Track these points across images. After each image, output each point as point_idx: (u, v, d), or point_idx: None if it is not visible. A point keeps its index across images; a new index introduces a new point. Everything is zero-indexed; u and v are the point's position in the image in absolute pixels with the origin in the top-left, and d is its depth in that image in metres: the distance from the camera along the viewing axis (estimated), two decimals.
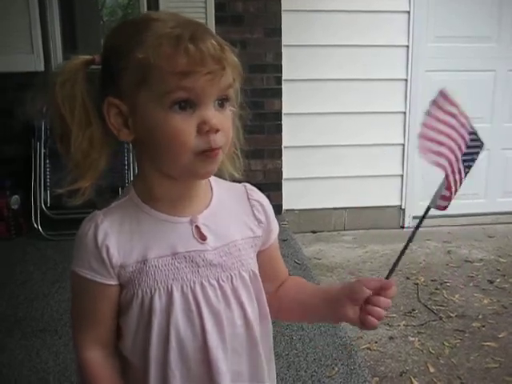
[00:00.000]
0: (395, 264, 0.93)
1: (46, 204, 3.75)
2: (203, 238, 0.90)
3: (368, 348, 2.49)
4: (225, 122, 0.85)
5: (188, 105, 0.81)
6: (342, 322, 1.02)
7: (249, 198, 0.98)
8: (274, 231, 1.01)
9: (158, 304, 0.87)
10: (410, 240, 0.94)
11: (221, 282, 0.90)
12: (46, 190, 3.77)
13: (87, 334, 0.92)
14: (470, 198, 4.22)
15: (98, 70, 0.87)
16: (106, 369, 0.92)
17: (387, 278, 0.93)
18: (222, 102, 0.85)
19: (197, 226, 0.90)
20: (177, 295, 0.87)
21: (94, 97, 0.86)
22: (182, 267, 0.88)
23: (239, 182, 0.99)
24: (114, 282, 0.88)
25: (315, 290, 1.04)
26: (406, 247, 0.94)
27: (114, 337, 0.93)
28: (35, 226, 3.72)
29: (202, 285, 0.89)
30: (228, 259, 0.91)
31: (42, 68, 3.80)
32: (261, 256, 0.99)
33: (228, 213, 0.95)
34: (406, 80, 4.13)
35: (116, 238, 0.87)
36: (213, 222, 0.92)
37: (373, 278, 0.95)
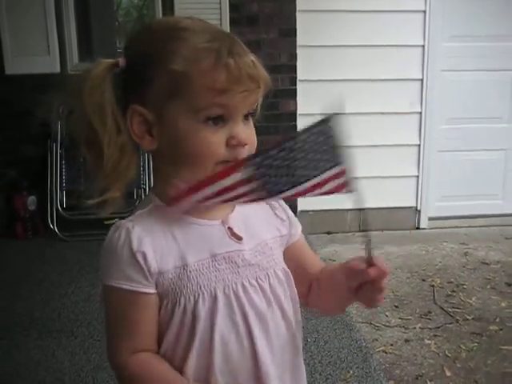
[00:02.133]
0: (368, 246, 0.85)
1: (61, 205, 3.78)
2: (239, 238, 0.89)
3: (383, 351, 2.47)
4: (251, 136, 0.87)
5: (220, 120, 0.82)
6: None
7: None
8: (296, 227, 1.00)
9: (202, 309, 0.84)
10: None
11: (259, 281, 0.89)
12: (62, 190, 3.80)
13: (130, 342, 0.85)
14: (487, 199, 4.18)
15: (120, 74, 0.85)
16: (161, 363, 0.86)
17: (368, 261, 0.84)
18: (248, 115, 0.86)
19: (229, 228, 0.89)
20: (221, 298, 0.85)
21: (118, 103, 0.84)
22: (222, 269, 0.86)
23: None
24: (153, 291, 0.84)
25: (328, 273, 0.99)
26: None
27: (156, 346, 0.88)
28: (51, 226, 3.76)
29: (243, 285, 0.87)
30: (263, 258, 0.91)
31: (57, 69, 3.83)
32: (290, 253, 0.98)
33: (252, 215, 0.94)
34: (422, 80, 4.09)
35: (151, 245, 0.83)
36: (242, 223, 0.91)
37: (356, 262, 0.86)
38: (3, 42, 3.75)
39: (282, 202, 1.01)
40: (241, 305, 0.86)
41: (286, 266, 0.95)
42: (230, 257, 0.87)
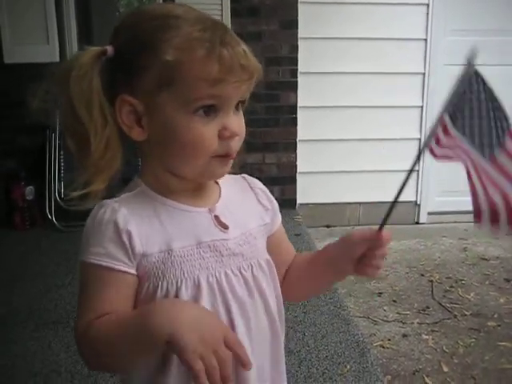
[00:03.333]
0: (387, 215, 0.92)
1: (60, 195, 3.77)
2: (225, 226, 0.89)
3: (381, 345, 2.47)
4: (242, 126, 0.87)
5: (212, 110, 0.81)
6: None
7: (251, 187, 0.99)
8: (278, 215, 1.01)
9: (185, 296, 0.83)
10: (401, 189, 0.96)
11: (242, 271, 0.89)
12: (60, 181, 3.79)
13: (92, 314, 0.80)
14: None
15: (108, 62, 0.82)
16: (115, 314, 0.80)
17: (379, 229, 0.91)
18: (239, 105, 0.85)
19: (216, 216, 0.89)
20: (204, 285, 0.84)
21: (106, 92, 0.82)
22: (206, 256, 0.86)
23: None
24: (132, 271, 0.81)
25: (315, 255, 1.03)
26: (400, 191, 0.95)
27: None
28: (49, 217, 3.74)
29: (226, 274, 0.87)
30: (247, 248, 0.90)
31: (57, 59, 3.79)
32: (269, 241, 0.98)
33: (238, 203, 0.94)
34: (424, 74, 4.07)
35: (136, 225, 0.82)
36: (228, 211, 0.91)
37: (363, 232, 0.93)
38: (2, 31, 3.72)
39: (265, 188, 1.01)
40: (223, 294, 0.86)
41: (269, 257, 0.95)
42: (214, 245, 0.87)
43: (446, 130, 0.86)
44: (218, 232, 0.88)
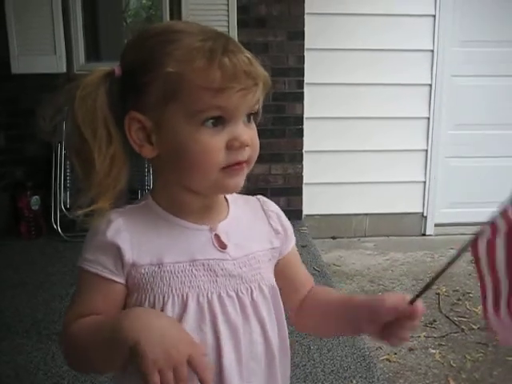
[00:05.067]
0: (424, 288, 0.85)
1: (65, 205, 3.77)
2: (223, 246, 0.87)
3: (387, 359, 2.44)
4: (253, 137, 0.85)
5: (219, 122, 0.80)
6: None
7: (264, 210, 0.97)
8: (290, 239, 0.98)
9: (171, 312, 0.82)
10: (449, 264, 0.88)
11: (240, 294, 0.86)
12: (65, 191, 3.79)
13: (77, 314, 0.83)
14: (494, 206, 4.12)
15: (117, 82, 0.83)
16: (93, 316, 0.83)
17: (412, 301, 0.85)
18: (250, 116, 0.84)
19: (216, 235, 0.87)
20: (192, 304, 0.83)
21: (113, 111, 0.83)
22: (199, 275, 0.84)
23: (252, 194, 0.97)
24: (120, 280, 0.83)
25: (336, 302, 0.97)
26: (442, 271, 0.86)
27: None
28: (54, 226, 3.74)
29: (219, 296, 0.85)
30: (248, 271, 0.88)
31: (64, 69, 3.82)
32: (279, 266, 0.96)
33: (246, 224, 0.92)
34: (431, 85, 4.06)
35: (130, 236, 0.83)
36: (232, 232, 0.89)
37: (398, 300, 0.85)
38: (10, 41, 3.74)
39: (280, 212, 0.98)
40: (213, 315, 0.84)
41: (275, 283, 0.92)
42: (209, 264, 0.85)
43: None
44: (214, 251, 0.86)
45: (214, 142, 0.79)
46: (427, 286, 0.85)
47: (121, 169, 0.83)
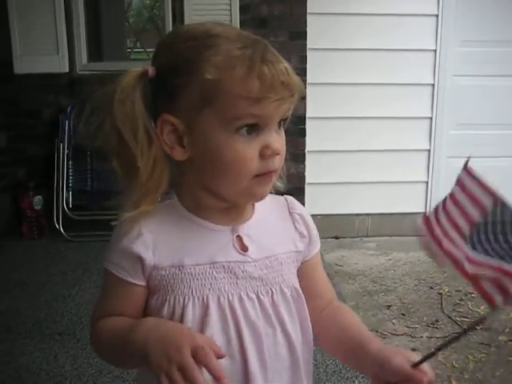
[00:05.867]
0: (430, 355, 0.82)
1: (68, 205, 3.77)
2: (244, 248, 0.87)
3: None
4: (283, 145, 0.84)
5: (253, 129, 0.80)
6: None
7: (290, 212, 0.95)
8: (315, 244, 0.97)
9: (191, 315, 0.82)
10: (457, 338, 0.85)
11: (260, 296, 0.86)
12: (68, 190, 3.79)
13: (102, 312, 0.88)
14: None
15: (150, 84, 0.83)
16: (116, 318, 0.87)
17: (416, 365, 0.80)
18: (280, 122, 0.84)
19: (238, 236, 0.87)
20: (213, 306, 0.83)
21: (149, 113, 0.82)
22: (219, 277, 0.84)
23: (281, 193, 0.96)
24: (141, 283, 0.85)
25: (354, 335, 0.93)
26: (451, 341, 0.83)
27: None
28: (57, 227, 3.74)
29: (240, 298, 0.85)
30: (269, 273, 0.88)
31: (66, 69, 3.82)
32: (301, 270, 0.95)
33: (270, 226, 0.92)
34: (433, 85, 4.05)
35: (152, 238, 0.84)
36: (255, 233, 0.89)
37: (404, 362, 0.81)
38: (12, 41, 3.74)
39: (307, 215, 0.97)
40: (235, 318, 0.84)
41: (297, 285, 0.91)
42: (230, 267, 0.85)
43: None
44: (235, 253, 0.86)
45: (248, 150, 0.79)
46: (433, 353, 0.82)
47: (163, 170, 0.83)
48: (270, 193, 0.89)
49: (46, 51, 3.78)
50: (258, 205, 0.92)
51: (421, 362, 0.81)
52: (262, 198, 0.87)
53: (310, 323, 0.92)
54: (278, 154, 0.82)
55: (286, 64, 0.81)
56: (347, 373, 2.10)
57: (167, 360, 0.70)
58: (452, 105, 4.07)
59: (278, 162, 0.83)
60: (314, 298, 0.97)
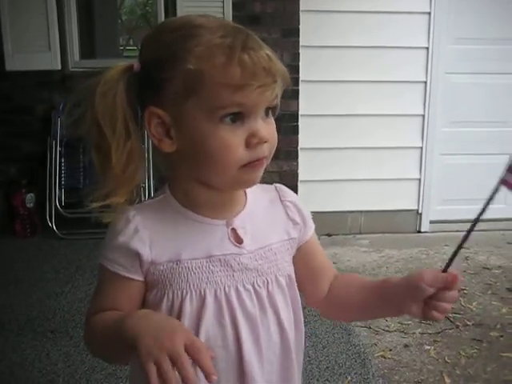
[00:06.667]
0: (454, 253, 0.86)
1: (60, 203, 3.76)
2: (239, 241, 0.88)
3: (382, 356, 2.44)
4: (271, 132, 0.84)
5: (238, 118, 0.80)
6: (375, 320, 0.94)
7: (281, 200, 0.96)
8: (309, 227, 0.98)
9: (189, 308, 0.84)
10: (472, 228, 0.86)
11: (256, 286, 0.88)
12: (60, 188, 3.78)
13: (98, 308, 0.88)
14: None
15: (136, 78, 0.84)
16: (110, 312, 0.86)
17: (445, 270, 0.85)
18: (268, 111, 0.84)
19: (233, 229, 0.88)
20: (210, 300, 0.84)
21: (132, 106, 0.83)
22: (216, 271, 0.85)
23: (269, 183, 0.97)
24: (138, 278, 0.85)
25: (370, 286, 0.96)
26: (468, 234, 0.86)
27: None
28: (50, 224, 3.73)
29: (237, 290, 0.86)
30: (264, 263, 0.89)
31: (58, 66, 3.81)
32: (299, 253, 0.96)
33: (263, 216, 0.93)
34: (426, 82, 4.06)
35: (148, 234, 0.84)
36: (249, 224, 0.90)
37: (434, 272, 0.85)
38: (4, 38, 3.73)
39: (297, 201, 0.98)
40: (231, 309, 0.85)
41: (291, 272, 0.93)
42: (226, 260, 0.86)
43: None
44: (230, 246, 0.87)
45: (232, 139, 0.80)
46: (455, 252, 0.86)
47: (138, 165, 0.84)
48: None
49: (39, 48, 3.76)
50: (249, 195, 0.92)
51: (449, 263, 0.85)
52: (253, 184, 0.88)
53: (301, 311, 0.94)
54: (265, 142, 0.82)
55: (268, 51, 0.81)
56: (340, 369, 2.11)
57: (158, 347, 0.69)
58: (444, 102, 4.08)
59: (268, 150, 0.84)
60: (318, 277, 0.99)
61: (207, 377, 0.70)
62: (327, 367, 2.13)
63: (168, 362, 0.68)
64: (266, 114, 0.84)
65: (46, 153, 3.78)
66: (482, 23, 4.04)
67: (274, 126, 0.86)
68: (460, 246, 0.86)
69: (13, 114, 3.82)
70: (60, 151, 3.78)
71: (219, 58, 0.77)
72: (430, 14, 3.96)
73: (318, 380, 2.05)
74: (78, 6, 3.98)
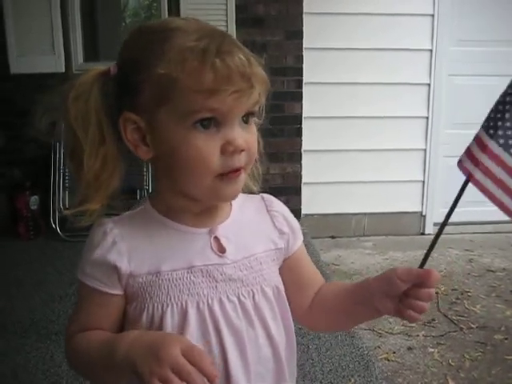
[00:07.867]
0: (429, 251, 0.86)
1: (64, 205, 3.76)
2: (222, 250, 0.85)
3: (386, 358, 2.44)
4: (250, 141, 0.81)
5: (212, 123, 0.77)
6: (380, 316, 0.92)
7: (268, 210, 0.93)
8: (297, 238, 0.95)
9: (170, 321, 0.80)
10: (445, 223, 0.89)
11: (241, 298, 0.84)
12: (64, 190, 3.78)
13: (78, 325, 0.85)
14: (493, 206, 4.13)
15: (112, 82, 0.82)
16: (94, 333, 0.84)
17: (420, 267, 0.85)
18: (248, 117, 0.81)
19: (216, 238, 0.85)
20: (192, 312, 0.81)
21: (108, 111, 0.81)
22: (198, 282, 0.82)
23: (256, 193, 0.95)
24: (117, 292, 0.83)
25: (351, 289, 0.94)
26: (440, 230, 0.88)
27: None
28: (53, 226, 3.74)
29: (220, 301, 0.83)
30: (249, 273, 0.86)
31: (62, 69, 3.82)
32: (287, 264, 0.94)
33: (248, 225, 0.90)
34: (429, 84, 4.06)
35: (126, 246, 0.81)
36: (233, 233, 0.87)
37: (408, 268, 0.83)
38: (8, 41, 3.74)
39: (286, 211, 0.95)
40: (215, 322, 0.82)
41: (279, 284, 0.90)
42: (208, 270, 0.83)
43: (482, 145, 0.84)
44: (212, 256, 0.84)
45: (206, 147, 0.76)
46: (431, 247, 0.87)
47: (113, 170, 0.81)
48: (244, 192, 0.88)
49: (42, 51, 3.78)
50: (234, 205, 0.90)
51: (424, 260, 0.85)
52: (232, 198, 0.84)
53: (292, 323, 0.91)
54: (242, 151, 0.79)
55: (244, 55, 0.76)
56: (343, 371, 2.10)
57: (158, 364, 0.68)
58: (448, 104, 4.08)
59: (244, 159, 0.80)
60: (304, 289, 0.96)
61: (210, 380, 0.69)
62: (330, 370, 2.12)
63: (172, 375, 0.68)
64: (246, 121, 0.80)
65: (50, 155, 3.79)
66: (485, 25, 4.03)
67: (255, 134, 0.83)
68: (435, 241, 0.88)
69: (16, 116, 3.82)
70: (64, 153, 3.78)
71: (191, 62, 0.74)
72: (433, 16, 3.97)
73: (321, 382, 2.04)
74: (81, 8, 3.98)
